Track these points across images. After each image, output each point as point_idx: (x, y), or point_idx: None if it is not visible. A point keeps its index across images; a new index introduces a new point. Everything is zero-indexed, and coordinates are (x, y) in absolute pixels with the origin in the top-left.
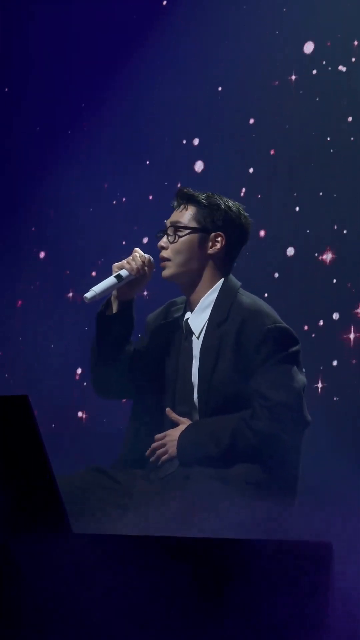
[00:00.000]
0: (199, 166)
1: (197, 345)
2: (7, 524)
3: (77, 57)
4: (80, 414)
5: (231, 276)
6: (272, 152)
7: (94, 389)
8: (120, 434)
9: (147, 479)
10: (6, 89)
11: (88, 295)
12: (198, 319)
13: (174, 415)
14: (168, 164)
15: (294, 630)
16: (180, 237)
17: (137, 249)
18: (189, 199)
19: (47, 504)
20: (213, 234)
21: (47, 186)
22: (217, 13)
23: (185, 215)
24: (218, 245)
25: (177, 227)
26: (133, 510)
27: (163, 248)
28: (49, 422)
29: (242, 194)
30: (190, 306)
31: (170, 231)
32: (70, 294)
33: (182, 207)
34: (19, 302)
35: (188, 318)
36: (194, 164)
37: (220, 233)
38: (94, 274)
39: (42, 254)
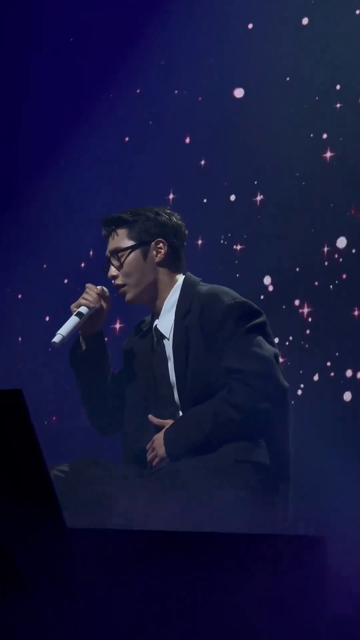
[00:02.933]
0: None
1: (169, 346)
2: (0, 520)
3: (77, 57)
4: (75, 409)
5: (189, 273)
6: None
7: (97, 431)
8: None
9: (140, 474)
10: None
11: (56, 339)
12: (165, 321)
13: (156, 420)
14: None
15: (289, 625)
16: (124, 260)
17: (89, 284)
18: (115, 223)
19: (41, 499)
20: (153, 243)
21: (48, 186)
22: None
23: (120, 239)
24: (162, 251)
25: (117, 252)
26: (126, 504)
27: (114, 277)
28: (43, 418)
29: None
30: (156, 313)
31: (113, 259)
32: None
33: (112, 234)
34: (18, 296)
35: (156, 324)
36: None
37: (160, 239)
38: (85, 264)
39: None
